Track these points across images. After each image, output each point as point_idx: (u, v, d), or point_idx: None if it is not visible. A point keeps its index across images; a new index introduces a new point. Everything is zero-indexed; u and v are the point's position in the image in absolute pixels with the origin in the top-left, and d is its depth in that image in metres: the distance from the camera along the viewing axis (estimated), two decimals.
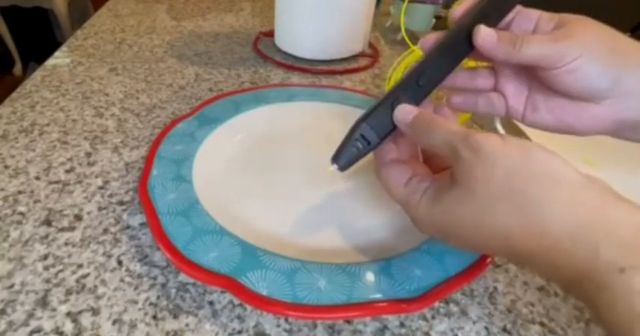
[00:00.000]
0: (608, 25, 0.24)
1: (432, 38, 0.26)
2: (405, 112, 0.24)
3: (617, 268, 0.16)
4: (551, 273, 0.19)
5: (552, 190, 0.18)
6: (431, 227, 0.23)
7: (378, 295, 0.24)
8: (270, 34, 0.62)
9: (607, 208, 0.18)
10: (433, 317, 0.26)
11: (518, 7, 0.26)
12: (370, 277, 0.25)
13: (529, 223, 0.19)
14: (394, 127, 0.25)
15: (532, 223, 0.18)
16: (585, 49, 0.23)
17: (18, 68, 1.88)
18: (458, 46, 0.25)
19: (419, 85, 0.25)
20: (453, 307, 0.27)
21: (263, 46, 0.60)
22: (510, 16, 0.26)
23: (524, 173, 0.19)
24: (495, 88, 0.29)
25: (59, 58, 0.52)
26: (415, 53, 0.44)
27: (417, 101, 0.25)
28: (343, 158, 0.25)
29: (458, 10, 0.26)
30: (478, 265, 0.26)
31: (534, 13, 0.26)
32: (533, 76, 0.27)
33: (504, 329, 0.26)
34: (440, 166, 0.26)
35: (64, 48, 0.56)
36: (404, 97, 0.25)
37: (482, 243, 0.21)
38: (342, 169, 0.25)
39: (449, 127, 0.21)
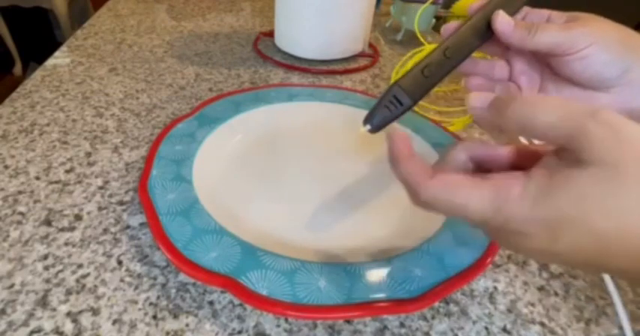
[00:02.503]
0: None
1: (452, 26, 0.27)
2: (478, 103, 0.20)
3: None
4: None
5: None
6: (536, 226, 0.17)
7: (378, 295, 0.24)
8: (270, 34, 0.62)
9: None
10: (433, 317, 0.26)
11: (528, 8, 0.28)
12: (370, 277, 0.25)
13: None
14: (425, 92, 0.26)
15: None
16: (596, 38, 0.24)
17: (18, 68, 1.88)
18: (478, 30, 0.27)
19: (446, 56, 0.26)
20: (453, 307, 0.26)
21: (263, 46, 0.60)
22: (521, 14, 0.27)
23: None
24: (510, 79, 0.30)
25: (59, 58, 0.52)
26: (426, 49, 0.44)
27: (446, 71, 0.26)
28: (376, 119, 0.25)
29: (474, 5, 0.28)
30: (478, 265, 0.26)
31: (545, 12, 0.27)
32: (546, 66, 0.28)
33: (504, 329, 0.26)
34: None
35: (64, 48, 0.56)
36: (435, 64, 0.26)
37: (614, 223, 0.16)
38: (375, 130, 0.25)
39: (570, 105, 0.17)
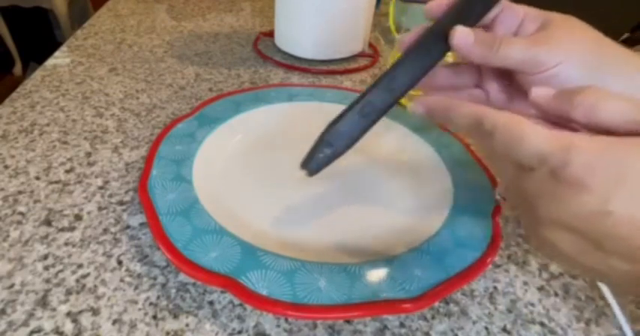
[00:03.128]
0: (608, 24, 0.24)
1: (412, 35, 0.25)
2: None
3: None
4: None
5: None
6: (602, 179, 0.16)
7: (378, 295, 0.24)
8: (270, 34, 0.62)
9: None
10: (433, 317, 0.26)
11: (505, 2, 0.25)
12: (370, 277, 0.25)
13: None
14: (362, 133, 0.25)
15: None
16: (566, 55, 0.22)
17: (18, 68, 1.88)
18: (434, 46, 0.24)
19: (391, 88, 0.24)
20: (453, 307, 0.27)
21: (263, 46, 0.60)
22: (496, 10, 0.25)
23: None
24: (479, 85, 0.28)
25: (59, 58, 0.52)
26: None
27: (389, 105, 0.24)
28: (312, 164, 0.25)
29: (433, 5, 0.25)
30: (478, 265, 0.26)
31: (520, 10, 0.25)
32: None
33: (504, 329, 0.26)
34: None
35: (64, 48, 0.56)
36: (376, 101, 0.24)
37: None
38: (312, 174, 0.25)
39: (538, 135, 0.17)
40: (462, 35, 0.23)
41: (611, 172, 0.15)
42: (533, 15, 0.24)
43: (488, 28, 0.26)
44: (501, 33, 0.25)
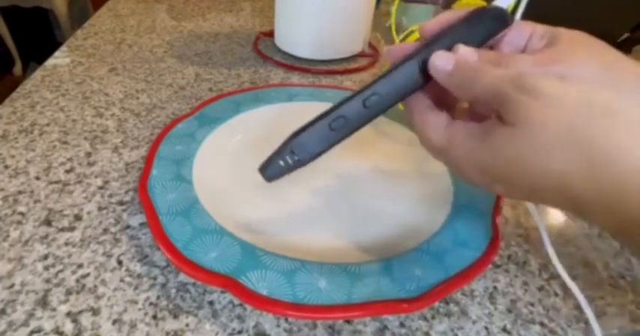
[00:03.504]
0: (608, 24, 0.23)
1: (399, 49, 0.24)
2: (444, 60, 0.22)
3: None
4: (607, 219, 0.18)
5: (617, 127, 0.17)
6: (474, 169, 0.21)
7: (378, 295, 0.24)
8: (270, 34, 0.62)
9: None
10: (433, 317, 0.26)
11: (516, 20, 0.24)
12: (370, 277, 0.25)
13: (591, 167, 0.17)
14: (329, 147, 0.24)
15: (595, 165, 0.17)
16: (578, 71, 0.21)
17: (18, 68, 1.88)
18: (417, 71, 0.23)
19: (367, 105, 0.23)
20: (453, 307, 0.27)
21: (263, 46, 0.60)
22: (502, 33, 0.23)
23: (584, 114, 0.17)
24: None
25: (59, 58, 0.52)
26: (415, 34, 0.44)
27: (362, 123, 0.23)
28: (271, 170, 0.24)
29: (428, 27, 0.24)
30: (478, 265, 0.26)
31: (527, 28, 0.24)
32: None
33: (504, 329, 0.26)
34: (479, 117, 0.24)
35: (64, 48, 0.56)
36: (349, 116, 0.23)
37: (531, 188, 0.19)
38: (269, 180, 0.25)
39: (493, 71, 0.20)
40: (440, 62, 0.22)
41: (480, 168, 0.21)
42: (539, 33, 0.23)
43: (493, 47, 0.25)
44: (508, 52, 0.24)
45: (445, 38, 0.23)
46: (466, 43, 0.22)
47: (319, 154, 0.24)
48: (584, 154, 0.17)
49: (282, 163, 0.24)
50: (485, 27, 0.23)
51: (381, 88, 0.23)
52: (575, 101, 0.18)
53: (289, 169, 0.24)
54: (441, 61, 0.22)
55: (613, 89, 0.21)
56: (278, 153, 0.24)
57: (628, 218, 0.17)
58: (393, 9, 0.56)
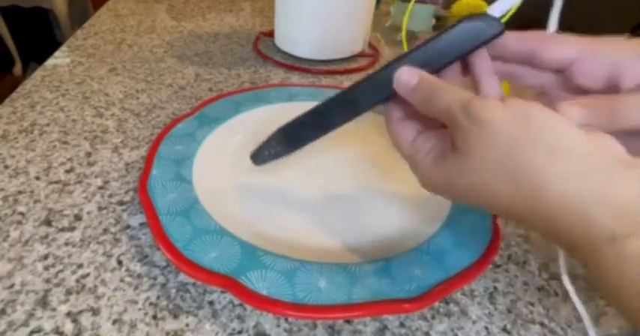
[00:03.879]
0: (608, 24, 0.23)
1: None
2: (407, 76, 0.22)
3: (608, 237, 0.17)
4: (550, 237, 0.20)
5: (548, 159, 0.18)
6: (432, 186, 0.23)
7: (378, 295, 0.24)
8: (270, 34, 0.62)
9: (606, 177, 0.17)
10: (433, 317, 0.26)
11: (582, 44, 0.21)
12: (370, 277, 0.25)
13: (523, 193, 0.18)
14: (313, 140, 0.27)
15: (526, 193, 0.18)
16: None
17: (18, 68, 1.88)
18: (388, 81, 0.23)
19: (353, 104, 0.24)
20: (453, 307, 0.27)
21: (263, 46, 0.60)
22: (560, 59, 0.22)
23: (521, 141, 0.18)
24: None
25: (59, 58, 0.52)
26: None
27: (346, 120, 0.25)
28: (259, 158, 0.29)
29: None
30: (478, 265, 0.26)
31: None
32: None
33: (504, 329, 0.26)
34: None
35: (64, 48, 0.56)
36: (335, 112, 0.25)
37: (482, 204, 0.21)
38: (257, 165, 0.30)
39: (450, 93, 0.21)
40: (404, 78, 0.23)
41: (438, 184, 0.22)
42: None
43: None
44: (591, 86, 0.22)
45: (428, 47, 0.22)
46: (449, 52, 0.22)
47: (303, 146, 0.27)
48: (516, 186, 0.19)
49: (268, 152, 0.29)
50: (474, 35, 0.22)
51: (357, 92, 0.24)
52: (513, 130, 0.18)
53: (275, 157, 0.29)
54: (406, 76, 0.23)
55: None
56: (267, 142, 0.29)
57: (564, 241, 0.19)
58: (406, 18, 0.55)
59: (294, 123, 0.27)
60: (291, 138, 0.27)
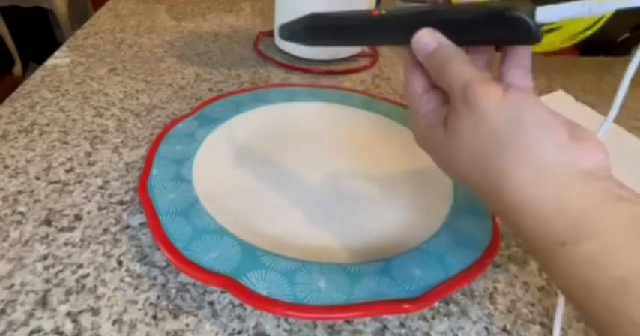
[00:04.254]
0: (608, 24, 0.23)
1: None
2: (427, 40, 0.22)
3: (559, 242, 0.17)
4: (517, 236, 0.21)
5: (520, 165, 0.18)
6: (420, 144, 0.24)
7: (378, 295, 0.24)
8: (270, 34, 0.62)
9: (562, 188, 0.18)
10: (433, 317, 0.26)
11: None
12: (370, 277, 0.25)
13: (487, 189, 0.20)
14: (322, 42, 0.27)
15: (490, 190, 0.20)
16: None
17: (18, 68, 1.88)
18: (408, 28, 0.22)
19: (372, 21, 0.24)
20: (453, 307, 0.27)
21: (263, 46, 0.60)
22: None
23: (502, 141, 0.19)
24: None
25: (59, 58, 0.52)
26: None
27: (361, 33, 0.25)
28: (283, 30, 0.30)
29: None
30: (478, 265, 0.26)
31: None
32: None
33: (504, 329, 0.26)
34: None
35: (64, 48, 0.56)
36: (358, 22, 0.25)
37: (456, 180, 0.22)
38: (280, 37, 0.30)
39: (459, 69, 0.20)
40: (425, 40, 0.22)
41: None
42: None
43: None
44: None
45: (464, 17, 0.21)
46: (476, 32, 0.21)
47: (316, 42, 0.27)
48: (486, 181, 0.20)
49: (297, 33, 0.28)
50: (511, 34, 0.20)
51: (390, 23, 0.23)
52: (502, 125, 0.19)
53: (298, 40, 0.29)
54: (426, 40, 0.22)
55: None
56: (296, 22, 0.28)
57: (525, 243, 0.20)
58: None
59: (325, 17, 0.26)
60: (314, 30, 0.27)
